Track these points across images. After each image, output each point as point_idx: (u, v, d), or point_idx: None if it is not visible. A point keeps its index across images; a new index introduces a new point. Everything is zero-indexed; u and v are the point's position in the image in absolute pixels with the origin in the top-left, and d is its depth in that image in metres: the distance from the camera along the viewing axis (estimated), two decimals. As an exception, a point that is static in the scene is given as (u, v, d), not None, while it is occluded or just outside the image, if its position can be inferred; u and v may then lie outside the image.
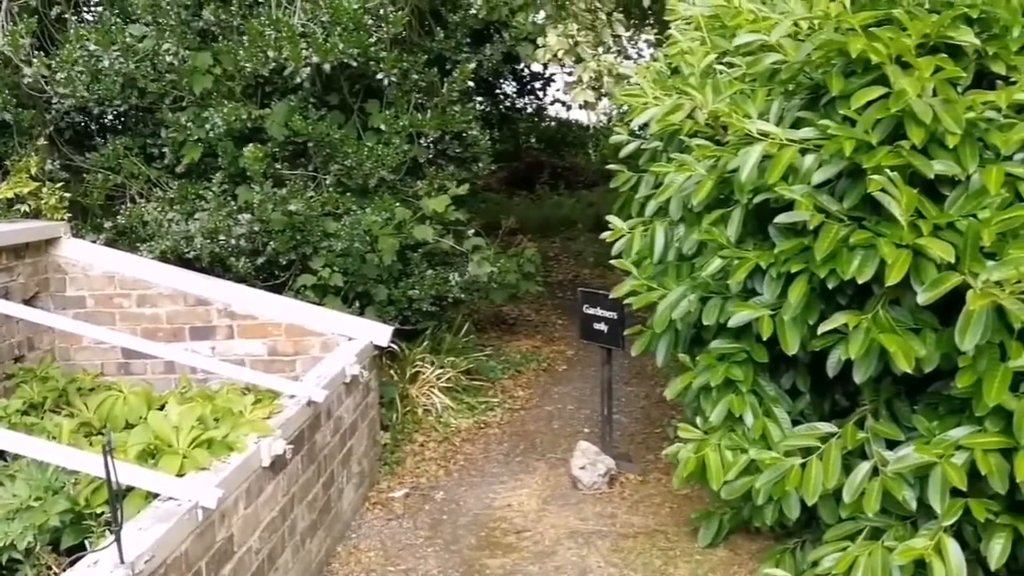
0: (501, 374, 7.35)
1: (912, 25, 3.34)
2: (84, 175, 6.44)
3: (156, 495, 3.16)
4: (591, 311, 5.53)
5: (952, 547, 3.27)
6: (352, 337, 5.32)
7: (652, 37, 9.52)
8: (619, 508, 5.01)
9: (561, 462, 5.63)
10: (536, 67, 10.71)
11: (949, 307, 3.24)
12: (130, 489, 3.25)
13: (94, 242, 5.92)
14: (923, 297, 3.16)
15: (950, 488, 3.25)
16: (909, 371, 3.26)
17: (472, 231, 7.03)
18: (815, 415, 4.01)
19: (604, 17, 6.92)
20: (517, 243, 8.72)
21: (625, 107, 4.95)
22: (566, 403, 6.90)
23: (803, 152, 3.48)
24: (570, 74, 7.24)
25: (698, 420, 4.08)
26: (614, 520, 4.87)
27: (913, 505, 3.39)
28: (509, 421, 6.53)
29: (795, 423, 3.90)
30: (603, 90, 6.75)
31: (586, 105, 7.18)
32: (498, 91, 11.65)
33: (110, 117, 6.85)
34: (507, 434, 6.28)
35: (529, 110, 13.92)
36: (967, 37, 3.36)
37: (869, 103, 3.33)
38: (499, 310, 8.92)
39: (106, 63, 5.97)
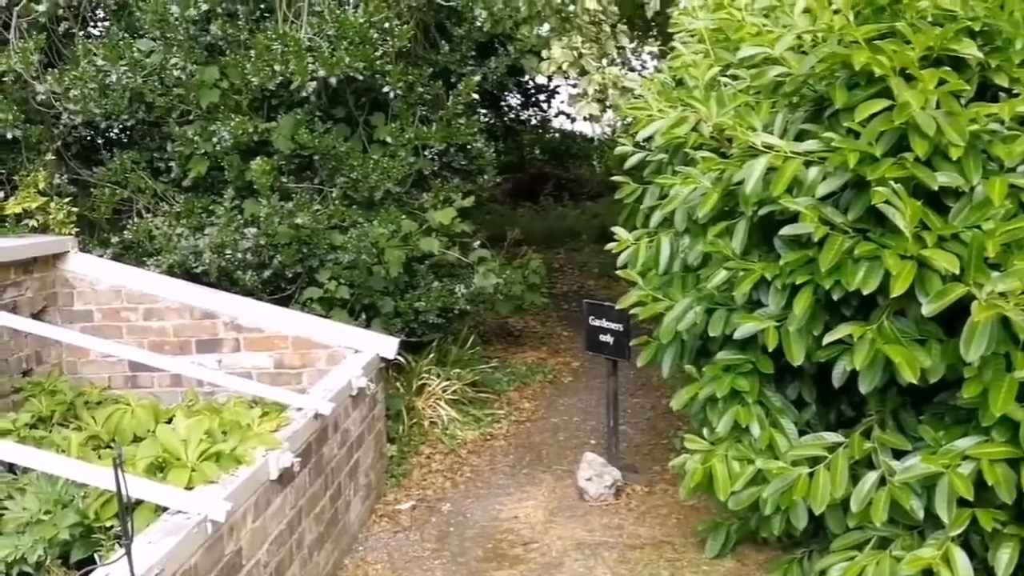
0: (507, 386, 7.36)
1: (915, 38, 3.36)
2: (91, 189, 6.48)
3: (165, 508, 3.17)
4: (597, 323, 5.54)
5: (960, 557, 3.28)
6: (358, 350, 5.34)
7: (656, 49, 9.57)
8: (626, 519, 5.02)
9: (567, 474, 5.64)
10: (541, 79, 10.75)
11: (954, 318, 3.25)
12: (139, 503, 3.26)
13: (101, 256, 5.95)
14: (928, 308, 3.17)
15: (957, 498, 3.27)
16: (914, 382, 3.27)
17: (478, 243, 7.05)
18: (821, 425, 4.01)
19: (608, 29, 6.95)
20: (522, 254, 8.75)
21: (630, 119, 4.98)
22: (572, 415, 6.90)
23: (807, 164, 3.50)
24: (575, 86, 7.28)
25: (704, 431, 4.09)
26: (621, 531, 4.87)
27: (920, 515, 3.40)
28: (515, 433, 6.54)
29: (801, 433, 3.90)
30: (608, 102, 6.78)
31: (591, 118, 7.21)
32: (503, 103, 11.71)
33: (117, 131, 6.88)
34: (513, 446, 6.29)
35: (534, 122, 13.97)
36: (970, 50, 3.38)
37: (873, 115, 3.35)
38: (504, 322, 8.93)
39: (114, 78, 6.01)
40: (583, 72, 6.75)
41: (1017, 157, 3.28)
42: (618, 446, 5.69)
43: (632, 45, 9.43)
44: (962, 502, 3.29)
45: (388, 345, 5.42)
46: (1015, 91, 3.43)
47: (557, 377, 7.82)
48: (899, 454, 3.55)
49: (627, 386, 7.18)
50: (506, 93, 11.38)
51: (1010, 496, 3.20)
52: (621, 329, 5.39)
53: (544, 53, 6.54)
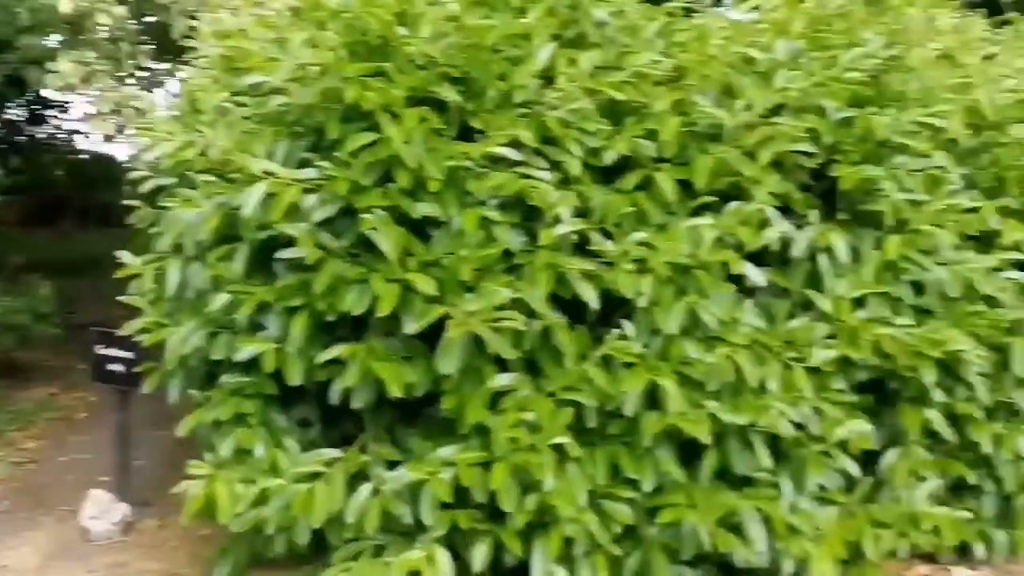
0: (8, 426, 6.70)
1: (400, 79, 3.66)
2: None
3: None
4: (105, 351, 5.25)
5: (441, 556, 3.55)
6: None
7: (185, 73, 9.37)
8: (133, 555, 4.79)
9: (72, 514, 5.24)
10: (50, 94, 10.01)
11: (438, 336, 3.56)
12: None
13: None
14: (411, 327, 3.46)
15: (440, 502, 3.56)
16: (401, 396, 3.52)
17: (-27, 268, 6.39)
18: (326, 444, 4.11)
19: (127, 47, 6.70)
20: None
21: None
22: (84, 452, 6.45)
23: (307, 192, 3.64)
24: (92, 103, 6.90)
25: (210, 456, 4.05)
26: (126, 568, 4.64)
27: (410, 520, 3.63)
28: (15, 476, 5.97)
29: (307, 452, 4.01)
30: (124, 122, 6.52)
31: (108, 137, 6.90)
32: (9, 117, 10.70)
33: None
34: (11, 490, 5.73)
35: (50, 140, 12.93)
36: (449, 94, 3.74)
37: (363, 147, 3.59)
38: (8, 356, 8.12)
39: None
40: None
41: (487, 192, 3.67)
42: (131, 481, 5.43)
43: (167, 66, 9.14)
44: (448, 505, 3.59)
45: None
46: (488, 133, 3.85)
47: (70, 414, 7.25)
48: (394, 465, 3.78)
49: (149, 418, 6.78)
50: (9, 106, 10.42)
51: (484, 496, 3.54)
52: (133, 357, 5.16)
53: (50, 65, 6.13)
